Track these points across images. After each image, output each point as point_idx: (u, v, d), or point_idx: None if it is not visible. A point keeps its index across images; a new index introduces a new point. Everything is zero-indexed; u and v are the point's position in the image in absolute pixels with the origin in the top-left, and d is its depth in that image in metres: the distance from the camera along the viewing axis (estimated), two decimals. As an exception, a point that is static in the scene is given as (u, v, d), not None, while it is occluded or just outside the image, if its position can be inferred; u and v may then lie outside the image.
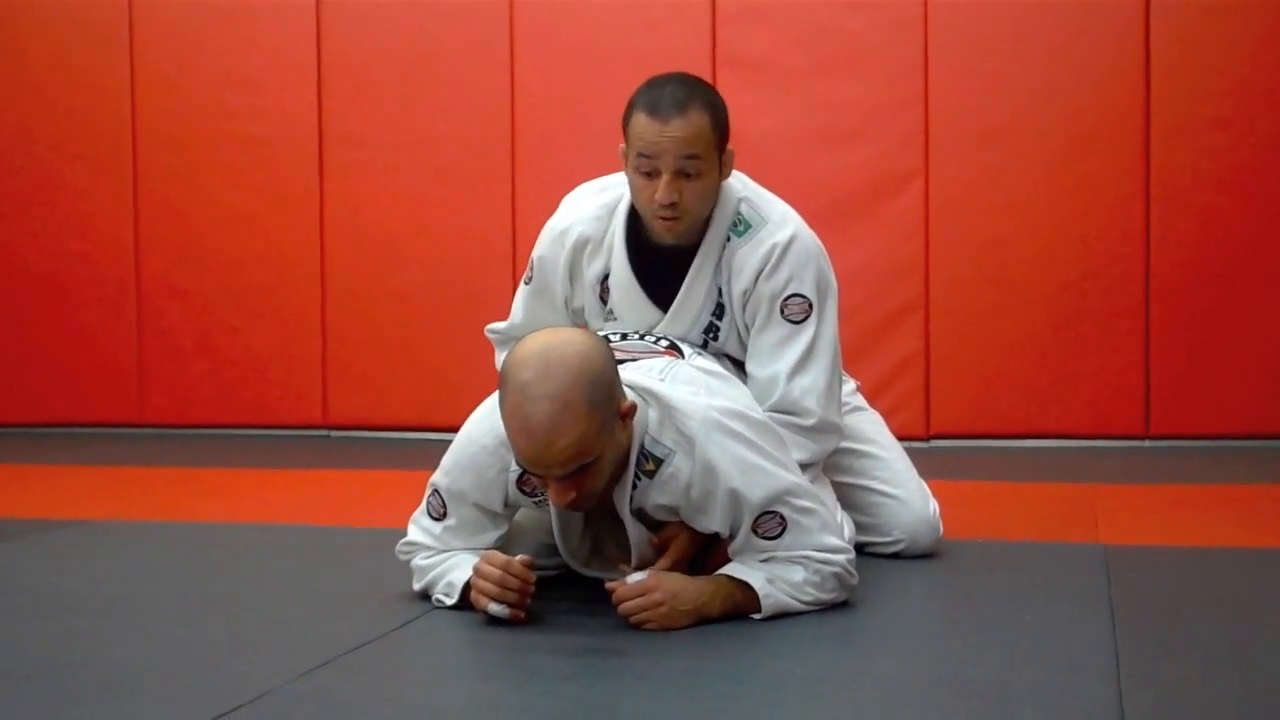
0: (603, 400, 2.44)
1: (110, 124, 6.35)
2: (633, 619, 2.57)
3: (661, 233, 2.99)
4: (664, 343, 2.95)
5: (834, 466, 3.24)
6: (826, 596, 2.72)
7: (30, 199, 6.46)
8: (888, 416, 3.57)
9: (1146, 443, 5.57)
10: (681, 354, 2.92)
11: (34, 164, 6.45)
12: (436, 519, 2.79)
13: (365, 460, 5.38)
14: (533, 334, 2.55)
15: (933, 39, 5.65)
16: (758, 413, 2.80)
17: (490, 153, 6.00)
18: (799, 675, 2.35)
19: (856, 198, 5.71)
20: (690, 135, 2.91)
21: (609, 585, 2.61)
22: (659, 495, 2.63)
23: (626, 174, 3.02)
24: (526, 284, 3.25)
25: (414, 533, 2.85)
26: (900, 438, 3.57)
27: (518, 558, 2.62)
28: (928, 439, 5.67)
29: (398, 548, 2.89)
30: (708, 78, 5.79)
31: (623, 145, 3.01)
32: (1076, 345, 5.58)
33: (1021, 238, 5.61)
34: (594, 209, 3.16)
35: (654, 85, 2.96)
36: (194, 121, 6.27)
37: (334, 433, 6.24)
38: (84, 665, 2.47)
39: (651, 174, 2.93)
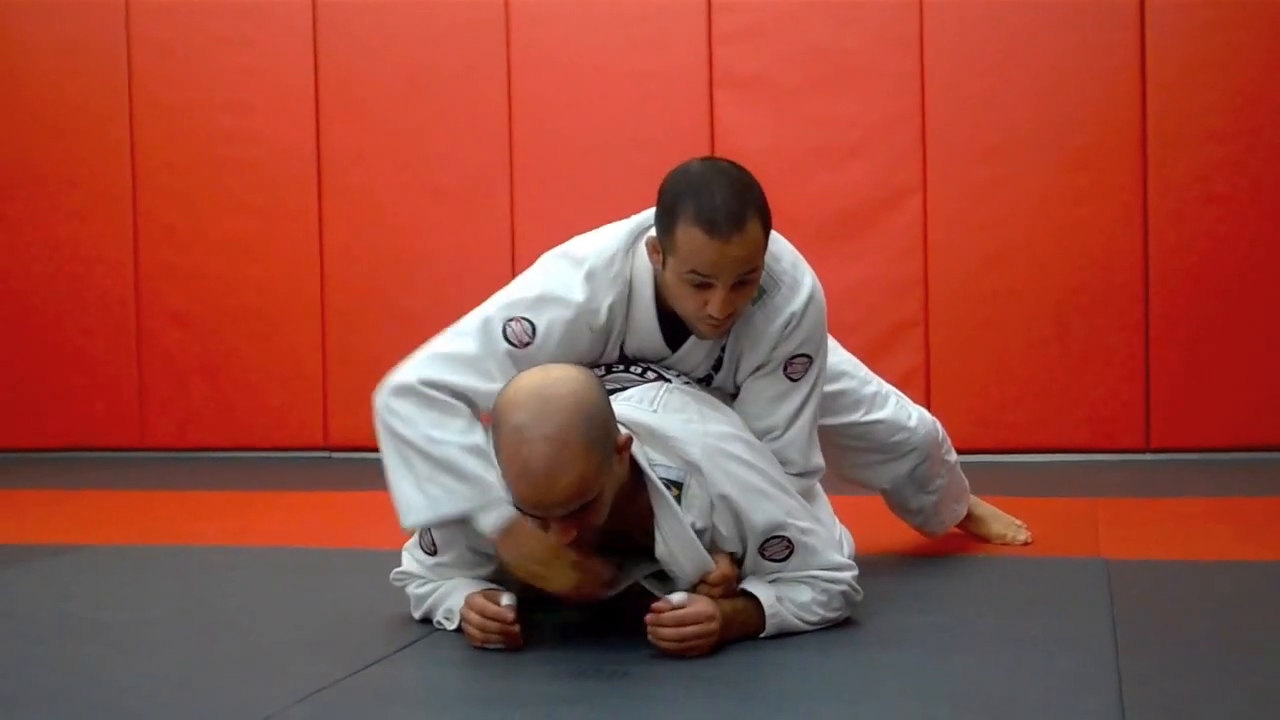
0: (600, 437, 2.42)
1: (109, 149, 6.36)
2: (682, 646, 2.54)
3: (705, 334, 2.78)
4: (651, 373, 2.87)
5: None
6: (832, 615, 2.73)
7: (30, 224, 6.47)
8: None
9: (1147, 456, 5.57)
10: (668, 380, 2.84)
11: (33, 189, 6.46)
12: (429, 554, 2.80)
13: (366, 482, 5.36)
14: (524, 374, 2.51)
15: (929, 55, 5.67)
16: (751, 436, 2.80)
17: (488, 173, 6.01)
18: (802, 692, 2.35)
19: (855, 214, 5.72)
20: (750, 251, 2.65)
21: (657, 606, 2.56)
22: (688, 516, 2.61)
23: (662, 274, 2.75)
24: (518, 346, 2.77)
25: (407, 562, 2.86)
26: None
27: (502, 600, 2.62)
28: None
29: (392, 575, 2.90)
30: (704, 96, 5.85)
31: (652, 238, 2.73)
32: (1076, 359, 5.58)
33: (1020, 252, 5.61)
34: (610, 291, 2.81)
35: (700, 192, 2.64)
36: (192, 146, 6.29)
37: (335, 454, 6.24)
38: (87, 690, 2.47)
39: (702, 286, 2.67)
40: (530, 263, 3.23)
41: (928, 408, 5.62)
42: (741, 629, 2.64)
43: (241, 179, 6.24)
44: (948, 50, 5.65)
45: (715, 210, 2.60)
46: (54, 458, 6.45)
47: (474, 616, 2.65)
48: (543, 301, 2.78)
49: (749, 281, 2.69)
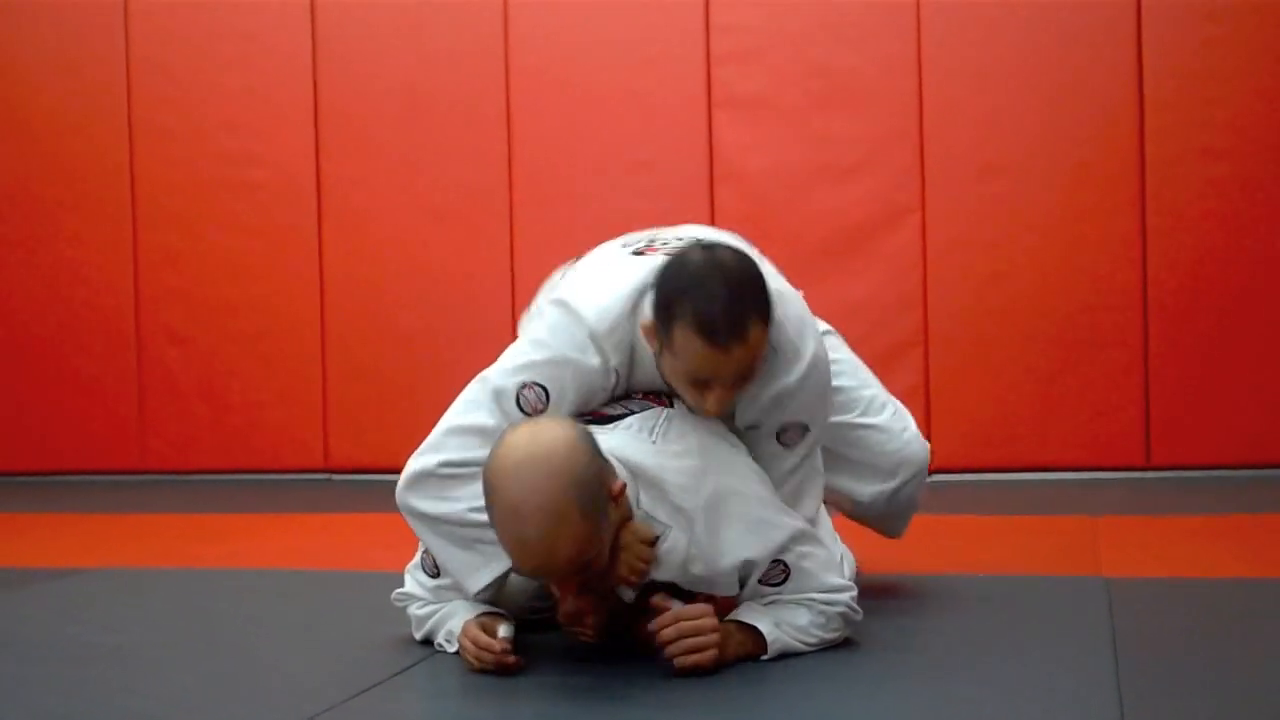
0: (595, 500, 2.41)
1: (109, 171, 6.37)
2: (682, 652, 2.53)
3: (706, 416, 2.72)
4: (652, 394, 2.83)
5: None
6: (831, 636, 2.73)
7: (29, 246, 6.48)
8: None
9: (1147, 474, 5.56)
10: (670, 403, 2.79)
11: (33, 211, 6.47)
12: (430, 576, 2.80)
13: (366, 504, 5.37)
14: (512, 437, 2.46)
15: (927, 74, 5.68)
16: (750, 466, 2.75)
17: (488, 194, 6.02)
18: (802, 711, 2.35)
19: (854, 233, 5.73)
20: (751, 354, 2.58)
21: (656, 601, 2.57)
22: (656, 571, 2.61)
23: (659, 359, 2.67)
24: (534, 413, 2.68)
25: (409, 584, 2.86)
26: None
27: (499, 631, 2.62)
28: (929, 473, 5.65)
29: (393, 596, 2.90)
30: (703, 116, 5.85)
31: (650, 322, 2.63)
32: (1076, 377, 5.59)
33: (1019, 271, 5.62)
34: (615, 355, 2.72)
35: (698, 295, 2.53)
36: (192, 168, 6.30)
37: (335, 476, 6.24)
38: (87, 713, 2.47)
39: (701, 384, 2.61)
40: (529, 283, 3.23)
41: (928, 426, 5.69)
42: (740, 648, 2.64)
43: (241, 200, 6.25)
44: (946, 70, 5.66)
45: (714, 318, 2.51)
46: (53, 480, 6.45)
47: (470, 646, 2.65)
48: (554, 365, 2.68)
49: (749, 377, 2.64)
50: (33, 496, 5.98)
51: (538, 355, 2.70)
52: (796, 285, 3.22)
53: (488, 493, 2.45)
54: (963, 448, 5.67)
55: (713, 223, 3.39)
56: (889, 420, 3.29)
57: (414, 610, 2.85)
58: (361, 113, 6.15)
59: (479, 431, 2.65)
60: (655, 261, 2.69)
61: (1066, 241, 5.59)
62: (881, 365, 5.62)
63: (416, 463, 2.69)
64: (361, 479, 6.15)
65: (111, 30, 6.35)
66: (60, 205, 6.44)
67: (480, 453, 2.58)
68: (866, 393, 3.31)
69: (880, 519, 3.40)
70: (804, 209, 5.70)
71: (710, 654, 2.54)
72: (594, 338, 2.68)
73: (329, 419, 6.21)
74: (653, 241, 2.86)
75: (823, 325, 3.14)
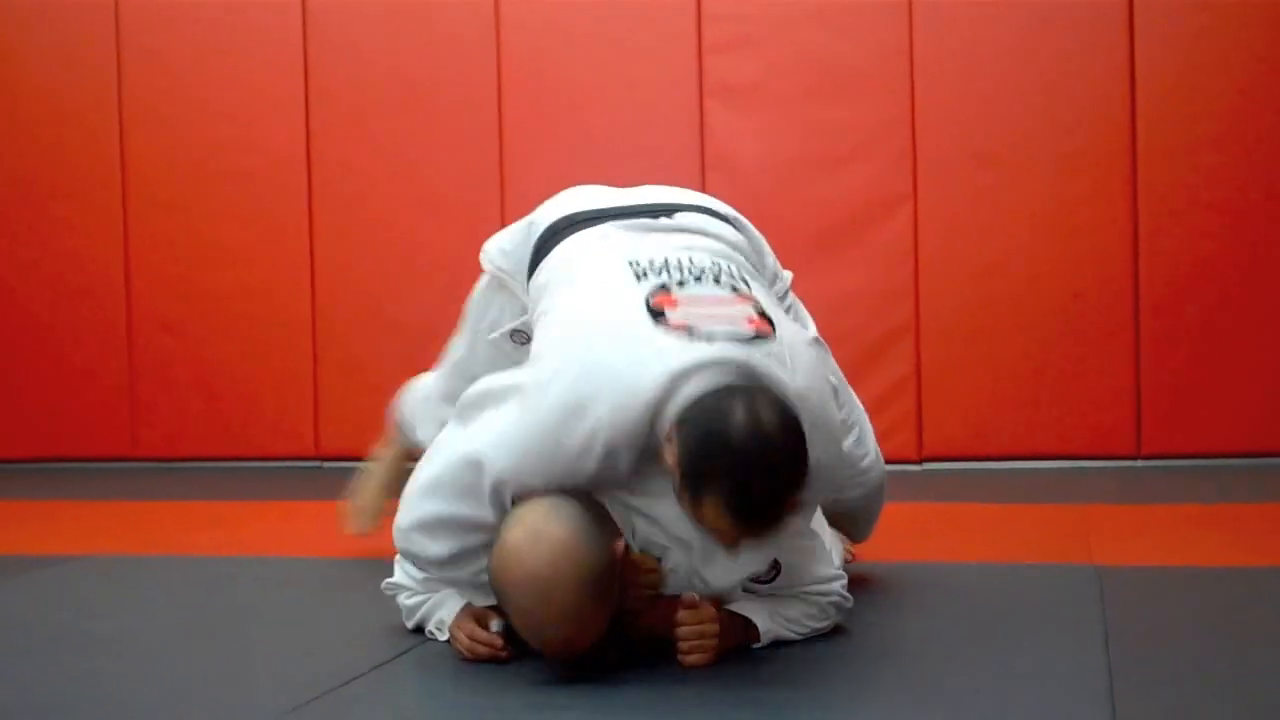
0: (607, 585, 2.41)
1: (100, 159, 6.34)
2: (689, 649, 2.55)
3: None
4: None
5: None
6: (823, 625, 2.75)
7: (20, 234, 6.46)
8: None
9: (1139, 463, 5.57)
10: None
11: (24, 199, 6.44)
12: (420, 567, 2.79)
13: (358, 491, 5.37)
14: (518, 534, 2.40)
15: (919, 62, 5.67)
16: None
17: (480, 183, 6.01)
18: (795, 701, 2.35)
19: (846, 222, 5.72)
20: (784, 530, 2.48)
21: (686, 597, 2.57)
22: (664, 588, 2.60)
23: (681, 501, 2.42)
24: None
25: (399, 574, 2.85)
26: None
27: (491, 625, 2.62)
28: (920, 462, 5.67)
29: (384, 585, 2.89)
30: (695, 106, 5.84)
31: (672, 456, 2.39)
32: (1068, 366, 5.59)
33: (1011, 260, 5.62)
34: (625, 457, 2.50)
35: (737, 476, 2.32)
36: (183, 155, 6.28)
37: (326, 464, 6.23)
38: (79, 701, 2.46)
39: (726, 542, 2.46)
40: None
41: (919, 416, 5.70)
42: (734, 638, 2.64)
43: (232, 188, 6.23)
44: (938, 58, 5.66)
45: (751, 506, 2.33)
46: (44, 468, 6.44)
47: (463, 639, 2.66)
48: (549, 460, 2.46)
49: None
50: (24, 484, 5.97)
51: (533, 442, 2.47)
52: (788, 269, 3.22)
53: (497, 587, 2.45)
54: (954, 437, 5.67)
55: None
56: (850, 447, 3.14)
57: (403, 600, 2.85)
58: (353, 100, 6.13)
59: (475, 526, 2.54)
60: (685, 357, 2.42)
61: (1059, 231, 5.58)
62: (873, 354, 5.67)
63: (413, 543, 2.64)
64: (352, 466, 6.12)
65: (103, 17, 6.31)
66: (52, 193, 6.42)
67: (476, 539, 2.54)
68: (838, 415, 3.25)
69: (836, 524, 3.34)
70: (796, 198, 5.69)
71: (711, 652, 2.56)
72: (608, 452, 2.45)
73: (320, 407, 6.21)
74: (664, 278, 2.59)
75: (811, 332, 3.00)
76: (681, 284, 2.59)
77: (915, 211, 5.68)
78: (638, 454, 2.46)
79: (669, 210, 2.93)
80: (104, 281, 6.37)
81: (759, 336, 2.50)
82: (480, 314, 3.33)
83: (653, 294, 2.55)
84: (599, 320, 2.56)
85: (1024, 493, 4.94)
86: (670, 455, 2.38)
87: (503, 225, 3.38)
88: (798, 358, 2.54)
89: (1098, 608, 2.98)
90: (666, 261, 2.65)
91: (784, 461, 2.35)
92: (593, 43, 5.94)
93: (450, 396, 3.05)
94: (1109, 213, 5.55)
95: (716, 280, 2.62)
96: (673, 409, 2.40)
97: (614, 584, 2.44)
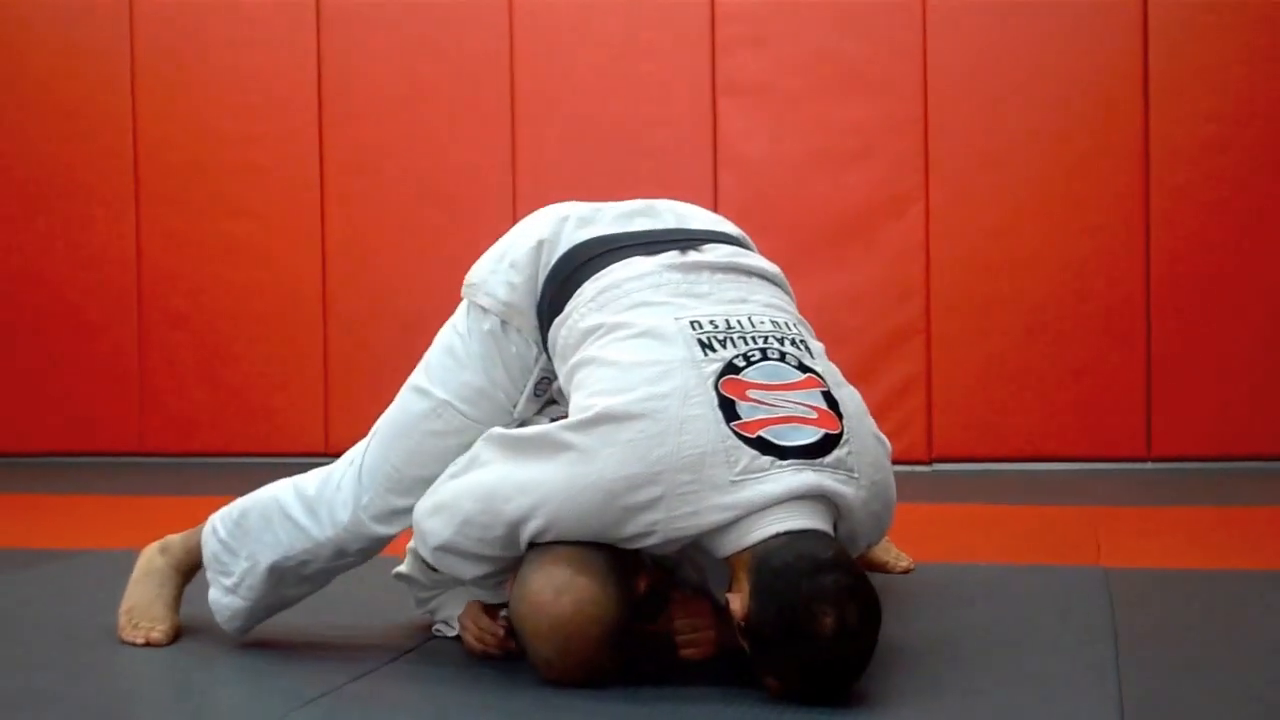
0: (624, 633, 2.41)
1: (112, 152, 6.36)
2: (687, 644, 2.55)
3: None
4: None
5: None
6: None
7: (31, 227, 6.47)
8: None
9: (1148, 464, 5.56)
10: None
11: (35, 193, 6.46)
12: (431, 568, 2.79)
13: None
14: (541, 583, 2.38)
15: (931, 61, 5.67)
16: None
17: (491, 178, 6.02)
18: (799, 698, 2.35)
19: (856, 220, 5.72)
20: None
21: (678, 594, 2.57)
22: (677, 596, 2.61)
23: (743, 632, 2.34)
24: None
25: (408, 565, 2.86)
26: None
27: (501, 614, 2.62)
28: (930, 463, 5.67)
29: (393, 574, 2.91)
30: (707, 104, 5.84)
31: (739, 618, 2.31)
32: (1077, 367, 5.58)
33: (1021, 260, 5.61)
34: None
35: (815, 665, 2.27)
36: (195, 149, 6.29)
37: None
38: (85, 696, 2.47)
39: None
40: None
41: (929, 416, 5.70)
42: (733, 637, 2.63)
43: (244, 182, 6.25)
44: (950, 57, 5.66)
45: (821, 691, 2.31)
46: (54, 462, 6.45)
47: (472, 628, 2.67)
48: (588, 532, 2.39)
49: None
50: (32, 478, 5.98)
51: (589, 519, 2.37)
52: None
53: (517, 633, 2.46)
54: (963, 437, 5.67)
55: (715, 209, 3.35)
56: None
57: (414, 592, 2.87)
58: (365, 96, 6.14)
59: (507, 563, 2.50)
60: (757, 493, 2.30)
61: (1069, 231, 5.58)
62: (882, 353, 5.67)
63: (442, 563, 2.59)
64: (362, 463, 6.14)
65: (116, 12, 6.33)
66: (63, 188, 6.43)
67: (505, 566, 2.50)
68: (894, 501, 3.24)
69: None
70: (807, 196, 5.70)
71: (708, 645, 2.55)
72: (659, 538, 2.37)
73: (330, 402, 6.21)
74: (730, 351, 2.43)
75: (858, 401, 2.76)
76: (749, 360, 2.42)
77: (926, 211, 5.68)
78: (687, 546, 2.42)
79: (696, 242, 2.74)
80: (115, 276, 6.38)
81: (828, 440, 2.38)
82: (484, 367, 2.81)
83: (720, 377, 2.38)
84: (669, 415, 2.34)
85: (1032, 494, 4.94)
86: (738, 604, 2.31)
87: (515, 221, 3.07)
88: (863, 457, 2.45)
89: (1106, 610, 2.97)
90: (729, 325, 2.48)
91: (858, 659, 2.30)
92: (606, 41, 5.95)
93: (415, 487, 2.71)
94: (1121, 214, 5.54)
95: (782, 356, 2.46)
96: (742, 542, 2.32)
97: (630, 628, 2.44)
